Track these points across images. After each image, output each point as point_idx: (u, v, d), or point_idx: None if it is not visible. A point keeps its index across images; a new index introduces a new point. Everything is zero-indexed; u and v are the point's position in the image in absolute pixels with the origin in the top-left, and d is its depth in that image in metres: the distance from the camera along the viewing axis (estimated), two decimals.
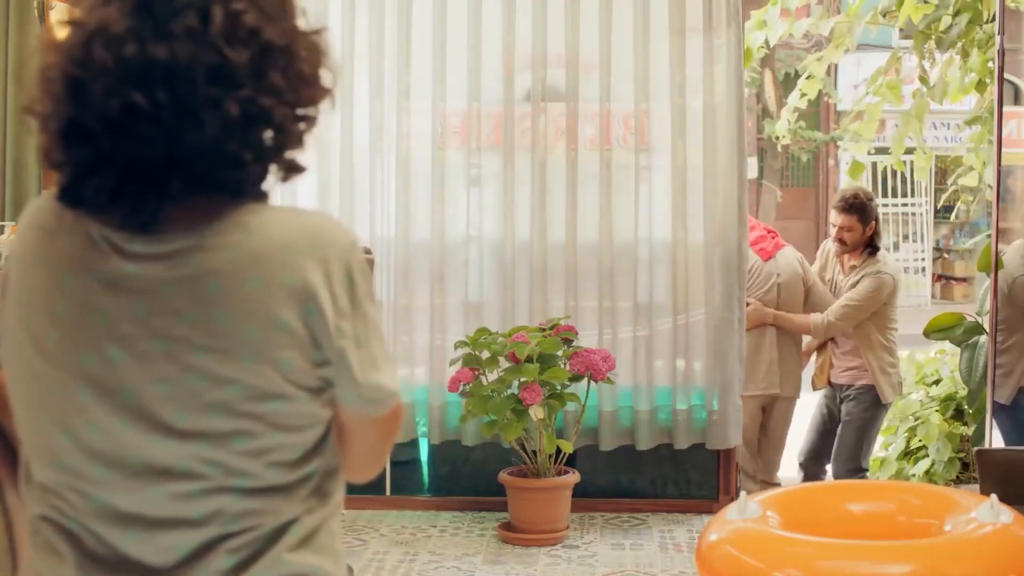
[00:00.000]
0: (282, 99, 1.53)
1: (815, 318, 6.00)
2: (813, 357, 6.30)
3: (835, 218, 6.08)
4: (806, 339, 6.26)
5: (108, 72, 1.46)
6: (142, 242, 1.53)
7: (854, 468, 6.06)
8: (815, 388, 6.31)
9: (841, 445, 6.09)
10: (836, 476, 6.09)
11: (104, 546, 1.58)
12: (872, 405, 6.04)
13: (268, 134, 1.54)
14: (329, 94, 1.60)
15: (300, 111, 1.57)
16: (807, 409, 6.35)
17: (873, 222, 6.06)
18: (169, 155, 1.48)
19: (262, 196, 1.59)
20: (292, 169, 1.60)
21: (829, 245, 6.25)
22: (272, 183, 1.60)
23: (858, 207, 6.01)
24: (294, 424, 1.58)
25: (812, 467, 6.25)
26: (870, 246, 6.08)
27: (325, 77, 1.59)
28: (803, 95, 7.83)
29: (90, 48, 1.47)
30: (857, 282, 6.00)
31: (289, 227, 1.57)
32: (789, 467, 6.42)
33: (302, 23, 1.58)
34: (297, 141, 1.58)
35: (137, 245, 1.53)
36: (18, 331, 1.60)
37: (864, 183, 8.11)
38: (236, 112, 1.49)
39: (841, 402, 6.15)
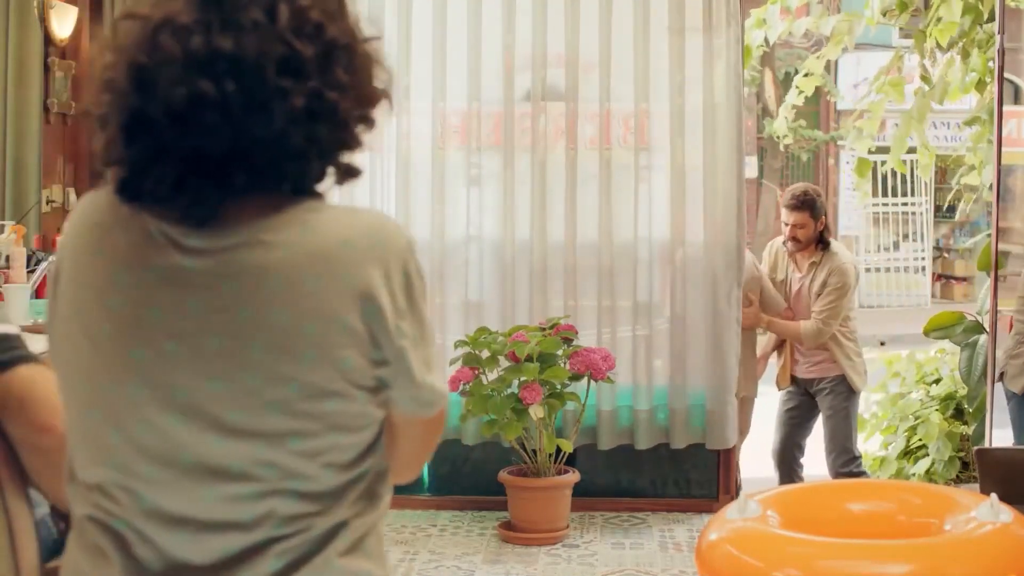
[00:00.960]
0: (345, 96, 1.53)
1: (805, 325, 5.99)
2: (773, 358, 6.31)
3: (787, 216, 6.08)
4: (761, 341, 6.29)
5: (175, 61, 1.46)
6: (200, 237, 1.52)
7: (849, 457, 6.08)
8: (780, 388, 6.31)
9: (832, 439, 6.09)
10: (832, 468, 6.08)
11: (151, 548, 1.55)
12: (848, 394, 6.07)
13: (331, 130, 1.53)
14: (386, 97, 1.60)
15: (360, 111, 1.57)
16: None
17: (823, 217, 6.09)
18: (233, 147, 1.48)
19: (319, 195, 1.58)
20: (349, 172, 1.59)
21: (778, 245, 6.24)
22: (329, 185, 1.59)
23: (808, 203, 6.03)
24: (350, 424, 1.57)
25: (787, 460, 6.23)
26: (822, 241, 6.09)
27: (382, 80, 1.59)
28: (800, 92, 7.82)
29: (157, 38, 1.47)
30: (825, 279, 5.99)
31: (348, 226, 1.56)
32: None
33: (358, 27, 1.58)
34: (356, 141, 1.57)
35: (195, 240, 1.52)
36: (70, 326, 1.58)
37: (867, 181, 8.08)
38: (303, 104, 1.48)
39: (813, 396, 6.15)
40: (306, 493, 1.55)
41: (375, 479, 1.63)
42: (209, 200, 1.50)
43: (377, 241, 1.56)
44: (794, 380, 6.22)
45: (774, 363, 6.32)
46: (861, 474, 6.11)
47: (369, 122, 1.58)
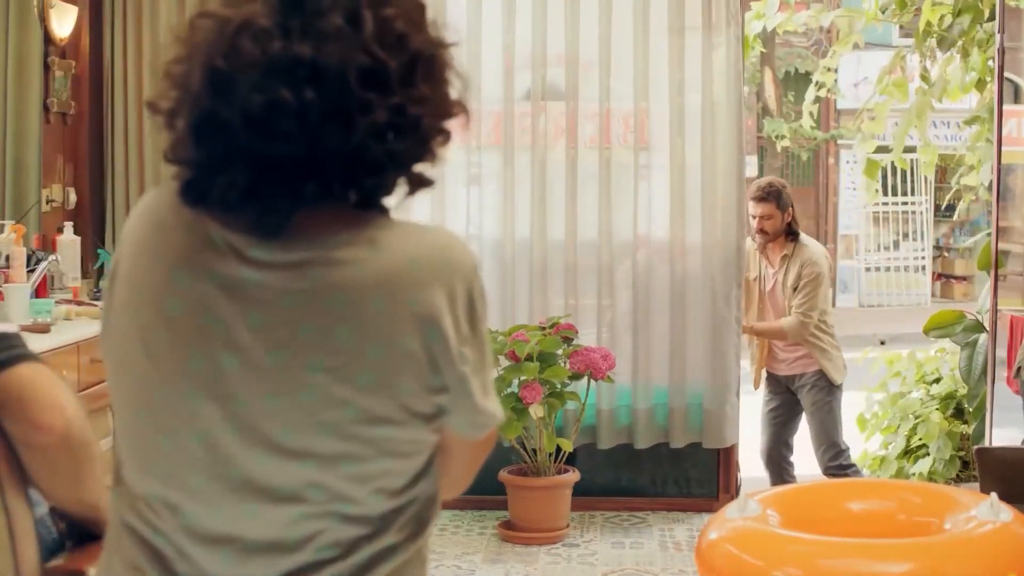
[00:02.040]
0: (427, 109, 1.48)
1: (787, 322, 5.95)
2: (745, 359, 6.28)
3: (753, 209, 6.02)
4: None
5: (255, 66, 1.41)
6: (264, 249, 1.47)
7: (837, 451, 6.04)
8: (756, 388, 6.29)
9: (818, 434, 6.05)
10: (821, 463, 6.03)
11: (190, 566, 1.52)
12: (829, 388, 6.03)
13: (410, 145, 1.49)
14: (464, 110, 1.55)
15: (440, 124, 1.52)
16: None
17: (790, 208, 6.04)
18: (307, 156, 1.43)
19: (386, 209, 1.54)
20: (421, 183, 1.54)
21: (748, 242, 6.15)
22: (400, 196, 1.54)
23: (774, 194, 5.98)
24: (403, 450, 1.52)
25: (775, 460, 6.19)
26: (791, 233, 6.06)
27: (458, 91, 1.54)
28: (820, 85, 7.82)
29: (236, 41, 1.42)
30: (799, 272, 5.96)
31: (416, 245, 1.51)
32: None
33: (438, 35, 1.54)
34: (433, 155, 1.53)
35: (259, 252, 1.47)
36: (125, 326, 1.55)
37: (862, 181, 8.08)
38: (385, 118, 1.44)
39: (795, 393, 6.12)
40: (354, 517, 1.51)
41: (424, 504, 1.59)
42: (281, 209, 1.45)
43: (444, 263, 1.52)
44: (775, 379, 6.19)
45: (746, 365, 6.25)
46: (850, 467, 6.08)
47: (447, 135, 1.53)
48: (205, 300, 1.48)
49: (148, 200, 1.60)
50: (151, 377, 1.52)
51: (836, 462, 6.03)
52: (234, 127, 1.42)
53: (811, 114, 8.23)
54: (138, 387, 1.54)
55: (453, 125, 1.54)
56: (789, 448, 6.25)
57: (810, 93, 7.94)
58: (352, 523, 1.52)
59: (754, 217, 6.02)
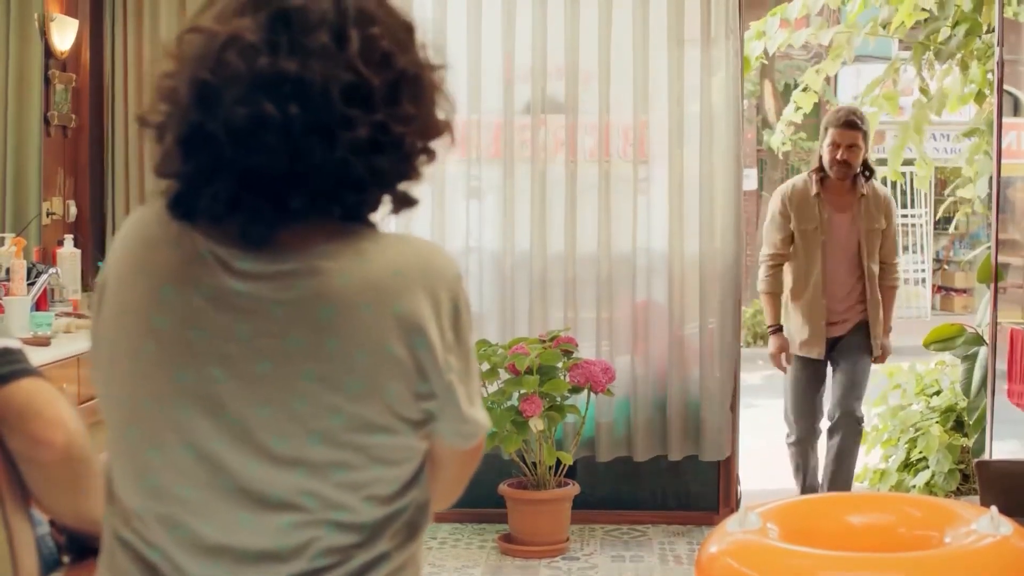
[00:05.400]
0: (411, 128, 1.51)
1: (895, 284, 6.10)
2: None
3: (837, 136, 5.71)
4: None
5: (240, 80, 1.43)
6: (252, 260, 1.49)
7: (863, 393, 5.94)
8: (823, 356, 5.95)
9: (859, 381, 5.93)
10: (846, 409, 5.87)
11: None
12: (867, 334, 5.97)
13: (393, 162, 1.51)
14: (450, 129, 1.57)
15: (424, 143, 1.54)
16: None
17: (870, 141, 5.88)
18: (291, 170, 1.45)
19: (372, 223, 1.56)
20: (406, 201, 1.56)
21: (791, 191, 5.85)
22: (384, 213, 1.56)
23: (862, 121, 5.77)
24: (393, 457, 1.54)
25: (814, 441, 6.03)
26: (867, 169, 5.87)
27: (446, 112, 1.57)
28: (798, 108, 7.85)
29: (223, 55, 1.44)
30: (887, 212, 5.92)
31: (401, 255, 1.53)
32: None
33: (426, 56, 1.56)
34: (417, 173, 1.55)
35: (246, 263, 1.49)
36: (113, 344, 1.56)
37: None
38: (367, 135, 1.46)
39: (831, 353, 5.93)
40: (347, 524, 1.53)
41: (416, 512, 1.61)
42: (266, 220, 1.47)
43: (427, 272, 1.53)
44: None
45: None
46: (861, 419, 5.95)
47: (431, 154, 1.56)
48: (193, 312, 1.50)
49: (134, 218, 1.61)
50: (140, 391, 1.53)
51: (861, 411, 5.92)
52: (219, 140, 1.44)
53: (782, 131, 8.26)
54: (128, 402, 1.55)
55: (439, 144, 1.56)
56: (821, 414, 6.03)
57: (789, 110, 7.95)
58: (345, 531, 1.53)
59: (835, 146, 5.70)
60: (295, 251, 1.50)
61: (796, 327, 5.88)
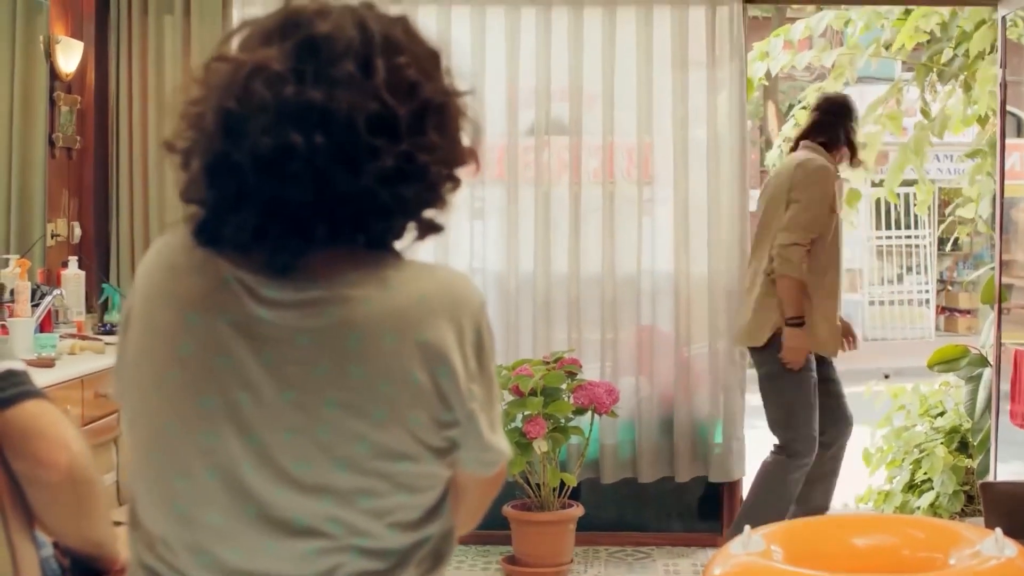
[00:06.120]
0: (436, 157, 1.51)
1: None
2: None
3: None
4: None
5: (267, 109, 1.43)
6: (277, 288, 1.50)
7: None
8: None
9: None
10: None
11: None
12: None
13: (418, 191, 1.51)
14: (475, 157, 1.58)
15: (450, 171, 1.55)
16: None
17: None
18: (316, 199, 1.45)
19: (396, 251, 1.56)
20: (431, 228, 1.57)
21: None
22: (409, 240, 1.57)
23: None
24: (418, 485, 1.54)
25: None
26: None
27: (471, 139, 1.57)
28: (796, 125, 7.84)
29: (249, 84, 1.44)
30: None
31: (425, 284, 1.54)
32: None
33: (451, 83, 1.56)
34: (442, 201, 1.56)
35: (272, 291, 1.50)
36: (139, 369, 1.56)
37: (865, 214, 8.05)
38: (393, 165, 1.46)
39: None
40: (372, 550, 1.53)
41: (441, 540, 1.61)
42: (291, 249, 1.48)
43: (452, 300, 1.54)
44: None
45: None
46: None
47: (457, 182, 1.56)
48: (218, 339, 1.50)
49: (159, 245, 1.62)
50: (166, 418, 1.53)
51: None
52: (245, 169, 1.44)
53: (780, 148, 8.25)
54: (153, 428, 1.55)
55: (463, 172, 1.56)
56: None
57: (787, 127, 7.94)
58: (370, 556, 1.53)
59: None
60: (320, 279, 1.50)
61: (816, 321, 5.39)
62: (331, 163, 1.44)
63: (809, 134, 5.58)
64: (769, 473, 5.41)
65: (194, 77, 1.52)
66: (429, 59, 1.54)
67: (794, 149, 5.63)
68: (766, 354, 5.39)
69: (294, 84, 1.44)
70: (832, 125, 5.53)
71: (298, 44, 1.47)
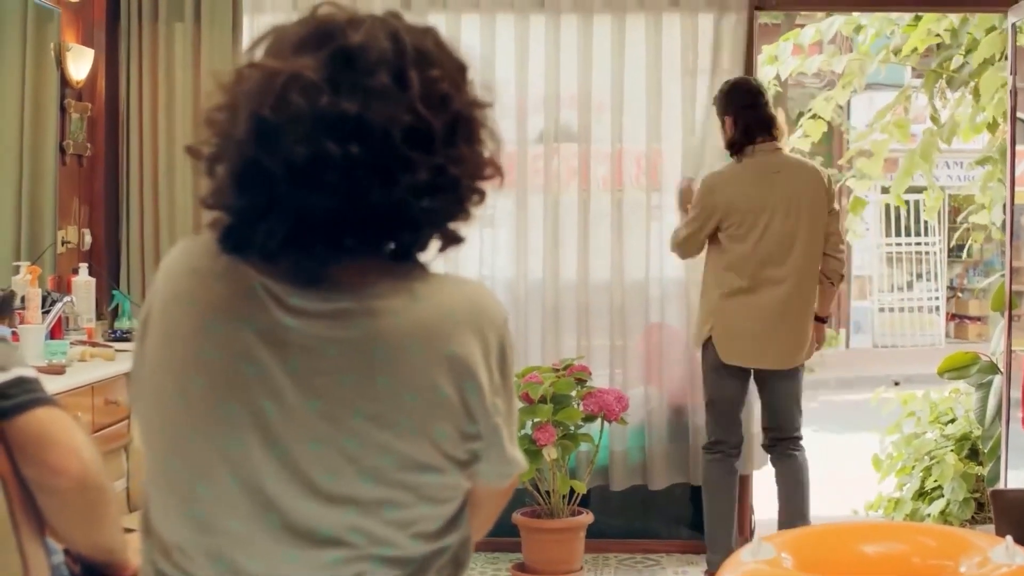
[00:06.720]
0: (465, 170, 1.52)
1: None
2: None
3: None
4: None
5: (303, 119, 1.43)
6: (304, 297, 1.49)
7: None
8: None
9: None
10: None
11: None
12: None
13: (448, 204, 1.52)
14: (500, 171, 1.58)
15: (477, 184, 1.55)
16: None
17: None
18: (348, 209, 1.45)
19: (421, 262, 1.57)
20: (454, 240, 1.58)
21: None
22: (433, 251, 1.57)
23: None
24: (441, 496, 1.55)
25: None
26: None
27: (496, 153, 1.59)
28: (806, 135, 7.83)
29: (285, 94, 1.44)
30: None
31: (452, 297, 1.55)
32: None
33: (476, 95, 1.58)
34: (467, 214, 1.56)
35: (298, 300, 1.49)
36: (158, 374, 1.56)
37: (875, 221, 8.03)
38: (426, 177, 1.46)
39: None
40: (393, 559, 1.53)
41: (460, 547, 1.62)
42: (319, 258, 1.48)
43: (477, 314, 1.55)
44: None
45: None
46: None
47: (482, 195, 1.57)
48: (243, 346, 1.50)
49: (181, 248, 1.61)
50: (187, 423, 1.52)
51: None
52: (277, 177, 1.44)
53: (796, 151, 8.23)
54: (173, 434, 1.54)
55: (490, 185, 1.57)
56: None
57: (795, 136, 7.89)
58: (392, 565, 1.53)
59: None
60: (348, 289, 1.50)
61: None
62: (366, 174, 1.44)
63: (771, 132, 5.41)
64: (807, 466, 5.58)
65: (221, 83, 1.51)
66: (458, 71, 1.56)
67: (744, 145, 5.38)
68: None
69: (329, 94, 1.44)
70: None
71: (333, 53, 1.46)
